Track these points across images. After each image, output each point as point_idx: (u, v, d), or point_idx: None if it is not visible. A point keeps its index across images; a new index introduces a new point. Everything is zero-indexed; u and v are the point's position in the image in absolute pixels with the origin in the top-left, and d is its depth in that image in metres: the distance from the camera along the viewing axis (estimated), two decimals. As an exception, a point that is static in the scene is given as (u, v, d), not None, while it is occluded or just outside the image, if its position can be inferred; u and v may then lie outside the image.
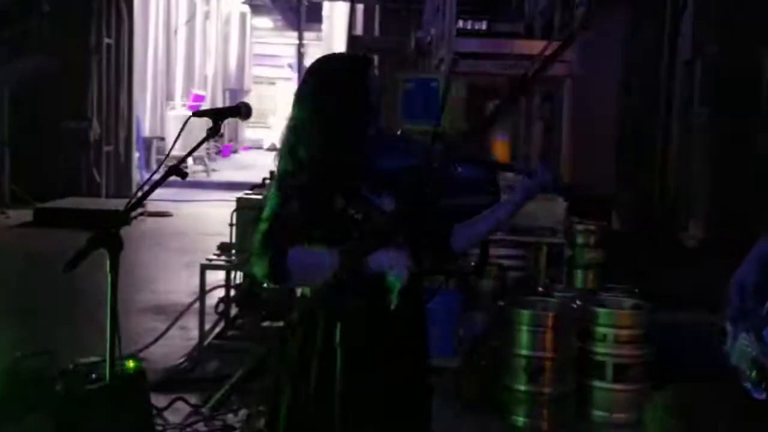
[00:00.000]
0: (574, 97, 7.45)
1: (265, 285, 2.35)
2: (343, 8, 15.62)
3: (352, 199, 2.36)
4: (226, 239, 6.32)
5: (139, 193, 2.29)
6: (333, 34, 16.97)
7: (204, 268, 5.84)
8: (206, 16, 21.81)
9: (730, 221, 11.12)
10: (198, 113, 2.37)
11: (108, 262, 2.05)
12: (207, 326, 6.04)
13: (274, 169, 2.47)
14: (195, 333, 6.22)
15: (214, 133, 2.36)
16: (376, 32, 13.95)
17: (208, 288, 5.93)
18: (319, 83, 2.43)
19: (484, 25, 8.34)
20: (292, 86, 35.91)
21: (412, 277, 2.36)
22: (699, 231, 11.55)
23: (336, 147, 2.36)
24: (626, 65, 10.82)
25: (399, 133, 2.56)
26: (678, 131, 10.65)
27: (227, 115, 2.40)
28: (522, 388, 4.79)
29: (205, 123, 2.34)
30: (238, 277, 6.35)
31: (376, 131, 2.46)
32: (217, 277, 6.37)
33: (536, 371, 4.78)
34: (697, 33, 10.75)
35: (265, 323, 6.02)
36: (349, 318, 2.35)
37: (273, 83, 33.22)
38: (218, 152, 23.23)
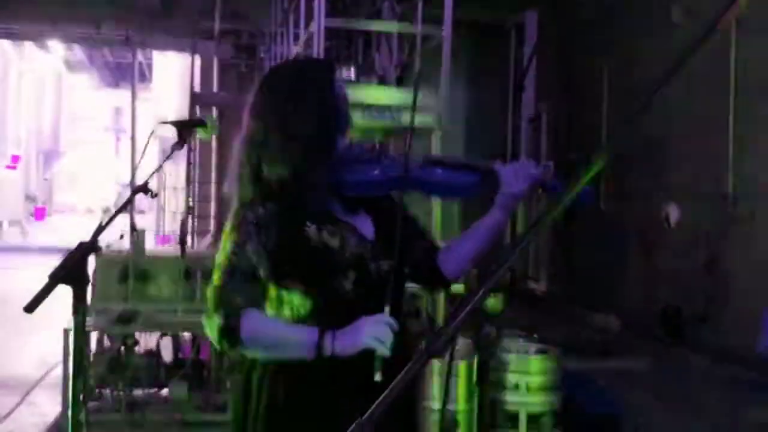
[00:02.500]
0: (442, 148, 7.36)
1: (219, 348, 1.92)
2: (175, 64, 15.13)
3: (325, 224, 2.03)
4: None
5: (104, 220, 1.83)
6: (162, 91, 16.38)
7: (68, 332, 5.15)
8: (20, 74, 20.57)
9: (570, 275, 11.55)
10: (164, 122, 1.98)
11: (72, 300, 1.58)
12: (59, 399, 5.33)
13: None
14: (47, 409, 5.49)
15: (180, 145, 1.95)
16: (215, 88, 13.54)
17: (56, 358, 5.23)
18: (282, 93, 2.09)
19: (352, 75, 8.16)
20: (110, 148, 34.63)
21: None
22: (544, 283, 11.88)
23: (308, 166, 2.03)
24: (471, 120, 11.05)
25: (371, 145, 2.21)
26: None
27: (192, 125, 2.01)
28: (435, 444, 4.48)
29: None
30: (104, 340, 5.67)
31: (347, 144, 2.14)
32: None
33: (449, 424, 4.49)
34: (539, 91, 11.20)
35: (138, 392, 5.40)
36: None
37: (90, 144, 31.80)
38: (31, 215, 21.80)
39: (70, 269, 1.55)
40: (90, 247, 1.61)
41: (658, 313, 9.09)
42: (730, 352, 7.98)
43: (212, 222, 12.98)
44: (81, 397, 1.61)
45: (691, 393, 6.85)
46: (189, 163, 12.62)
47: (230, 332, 1.89)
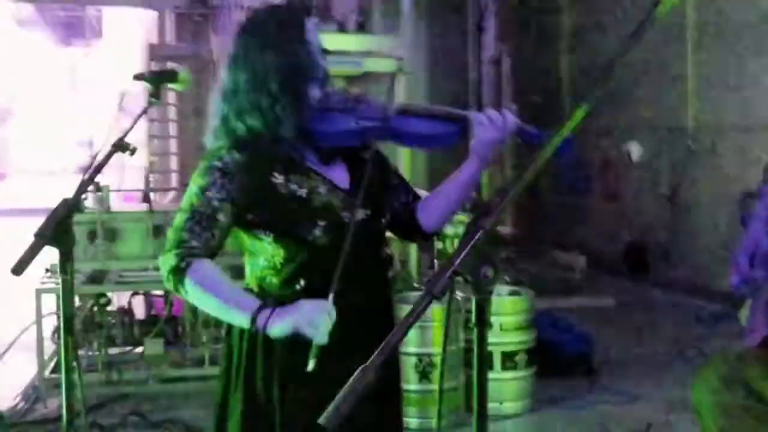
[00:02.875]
0: (407, 93, 7.34)
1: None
2: (128, 17, 14.83)
3: (293, 174, 2.02)
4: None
5: (85, 177, 1.79)
6: (115, 46, 16.05)
7: (40, 293, 5.10)
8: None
9: (535, 216, 11.67)
10: (137, 76, 1.93)
11: (59, 261, 1.56)
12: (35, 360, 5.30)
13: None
14: (24, 369, 5.46)
15: (155, 98, 1.92)
16: (170, 39, 13.31)
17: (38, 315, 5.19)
18: (253, 41, 2.04)
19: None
20: (65, 106, 33.96)
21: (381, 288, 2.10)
22: (510, 225, 11.99)
23: (278, 117, 2.00)
24: (432, 63, 10.99)
25: (350, 93, 2.17)
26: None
27: (166, 79, 1.98)
28: (413, 387, 4.54)
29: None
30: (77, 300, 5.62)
31: (322, 93, 2.10)
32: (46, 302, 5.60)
33: (427, 369, 4.55)
34: (500, 31, 11.16)
35: (114, 351, 5.38)
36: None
37: (45, 103, 31.15)
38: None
39: (56, 228, 1.53)
40: (74, 204, 1.58)
41: (623, 249, 9.24)
42: (693, 285, 8.16)
43: (174, 177, 12.85)
44: (72, 357, 1.60)
45: (657, 327, 7.01)
46: (149, 119, 12.44)
47: (179, 273, 1.89)
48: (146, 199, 5.82)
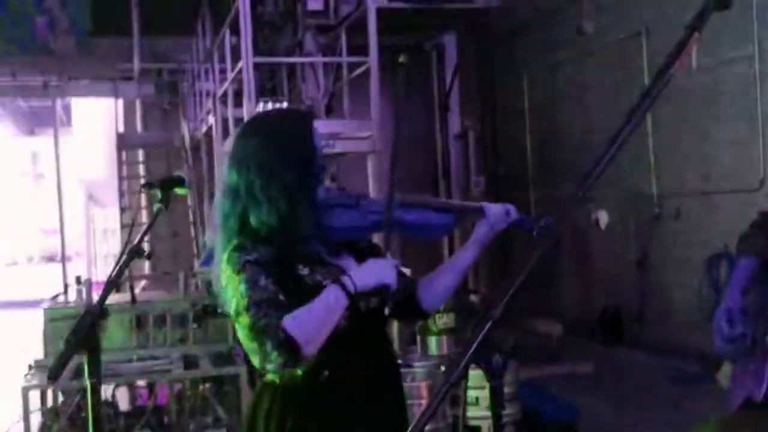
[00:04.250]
0: (377, 169, 7.52)
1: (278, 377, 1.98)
2: (96, 106, 14.95)
3: (316, 266, 2.13)
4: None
5: (107, 283, 1.88)
6: (83, 134, 16.13)
7: (26, 391, 5.09)
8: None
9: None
10: (146, 184, 2.05)
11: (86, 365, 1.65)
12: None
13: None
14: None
15: (164, 204, 2.03)
16: (139, 128, 13.44)
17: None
18: (264, 142, 2.17)
19: (285, 106, 8.25)
20: (28, 195, 33.82)
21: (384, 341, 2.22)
22: (485, 290, 12.11)
23: (294, 213, 2.11)
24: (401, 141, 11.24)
25: (345, 190, 2.34)
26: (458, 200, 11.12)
27: (173, 184, 2.09)
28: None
29: None
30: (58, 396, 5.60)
31: (326, 191, 2.25)
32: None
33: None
34: (464, 108, 11.47)
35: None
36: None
37: (6, 192, 31.00)
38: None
39: (83, 335, 1.62)
40: (99, 312, 1.67)
41: (597, 314, 9.39)
42: (667, 346, 8.30)
43: (146, 265, 12.83)
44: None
45: (637, 391, 7.10)
46: (121, 208, 12.48)
47: (289, 349, 1.92)
48: (131, 288, 5.87)
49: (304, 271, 2.09)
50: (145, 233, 1.94)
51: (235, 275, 2.03)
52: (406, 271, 2.49)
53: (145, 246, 1.88)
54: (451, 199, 9.43)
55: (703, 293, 7.55)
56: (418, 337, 5.49)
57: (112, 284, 1.82)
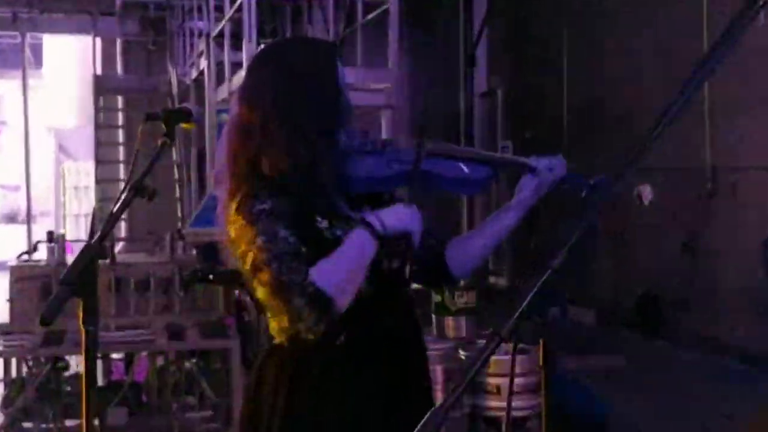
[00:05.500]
0: (392, 128, 7.53)
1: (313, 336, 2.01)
2: (71, 45, 14.93)
3: (336, 219, 2.14)
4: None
5: (107, 222, 1.92)
6: (55, 77, 16.11)
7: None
8: None
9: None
10: (150, 115, 2.08)
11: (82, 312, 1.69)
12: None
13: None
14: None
15: (169, 138, 2.06)
16: (119, 70, 13.44)
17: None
18: (281, 76, 2.17)
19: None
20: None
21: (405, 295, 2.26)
22: (506, 277, 12.16)
23: (313, 159, 2.12)
24: (419, 97, 11.24)
25: (374, 137, 2.35)
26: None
27: (180, 119, 2.13)
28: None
29: None
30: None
31: (347, 135, 2.26)
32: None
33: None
34: (492, 64, 11.45)
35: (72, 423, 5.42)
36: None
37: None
38: None
39: (80, 276, 1.65)
40: (97, 251, 1.71)
41: (635, 302, 9.43)
42: (713, 340, 8.33)
43: (123, 226, 12.91)
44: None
45: (673, 388, 7.15)
46: (97, 161, 12.52)
47: (321, 304, 1.95)
48: (110, 248, 5.93)
49: (323, 224, 2.10)
50: (147, 172, 1.96)
51: (249, 226, 2.04)
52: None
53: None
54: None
55: (759, 282, 7.56)
56: (434, 317, 5.52)
57: (115, 218, 1.86)
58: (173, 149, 10.67)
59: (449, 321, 5.51)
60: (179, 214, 11.51)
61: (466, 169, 2.26)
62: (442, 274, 2.38)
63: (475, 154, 2.35)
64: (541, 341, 1.51)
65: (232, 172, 2.15)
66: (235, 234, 2.07)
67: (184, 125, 2.14)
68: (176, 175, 11.80)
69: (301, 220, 2.07)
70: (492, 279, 11.42)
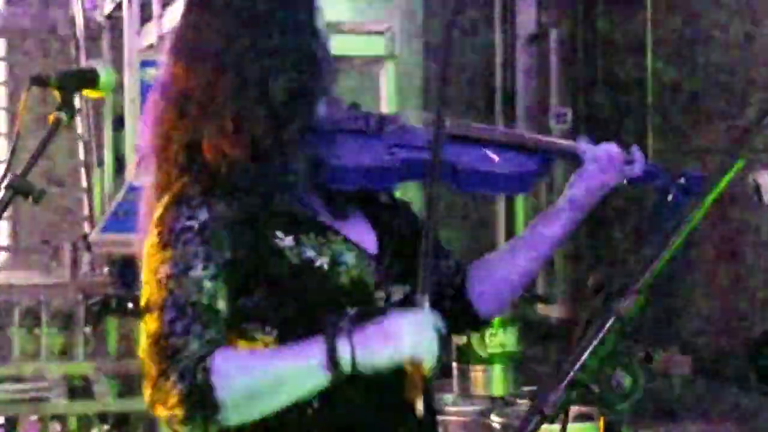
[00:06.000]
0: (396, 90, 7.55)
1: None
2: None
3: (305, 233, 2.15)
4: None
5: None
6: None
7: None
8: None
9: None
10: (36, 79, 2.09)
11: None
12: None
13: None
14: None
15: (67, 111, 2.08)
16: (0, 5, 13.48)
17: None
18: (231, 19, 2.17)
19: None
20: None
21: None
22: (559, 306, 12.17)
23: (276, 142, 2.13)
24: (438, 43, 11.24)
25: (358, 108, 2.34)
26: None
27: (80, 82, 2.14)
28: None
29: None
30: None
31: (328, 107, 2.26)
32: None
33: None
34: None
35: None
36: None
37: None
38: None
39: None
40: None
41: (750, 345, 9.43)
42: None
43: (4, 228, 12.94)
44: None
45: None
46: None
47: (200, 396, 1.95)
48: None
49: (286, 241, 2.11)
50: (35, 158, 1.98)
51: (160, 248, 2.06)
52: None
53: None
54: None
55: None
56: (455, 366, 5.53)
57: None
58: (77, 120, 10.67)
59: (478, 372, 5.52)
60: (86, 212, 11.49)
61: (501, 159, 2.26)
62: (464, 313, 2.40)
63: (512, 138, 2.35)
64: (601, 418, 1.51)
65: (160, 160, 2.16)
66: (145, 253, 2.09)
67: (88, 93, 2.15)
68: (82, 156, 11.78)
69: (253, 234, 2.09)
70: (540, 309, 11.42)
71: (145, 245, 2.10)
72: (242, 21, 2.15)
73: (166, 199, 2.11)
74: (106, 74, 2.16)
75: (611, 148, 2.36)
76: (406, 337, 1.98)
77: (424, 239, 1.99)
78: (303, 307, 2.11)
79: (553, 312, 11.66)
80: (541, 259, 2.38)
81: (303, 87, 2.17)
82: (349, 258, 2.17)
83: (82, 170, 11.84)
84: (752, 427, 8.24)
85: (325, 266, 2.13)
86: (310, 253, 2.12)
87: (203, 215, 2.06)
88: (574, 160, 2.35)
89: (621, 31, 11.25)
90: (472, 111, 11.16)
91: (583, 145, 2.35)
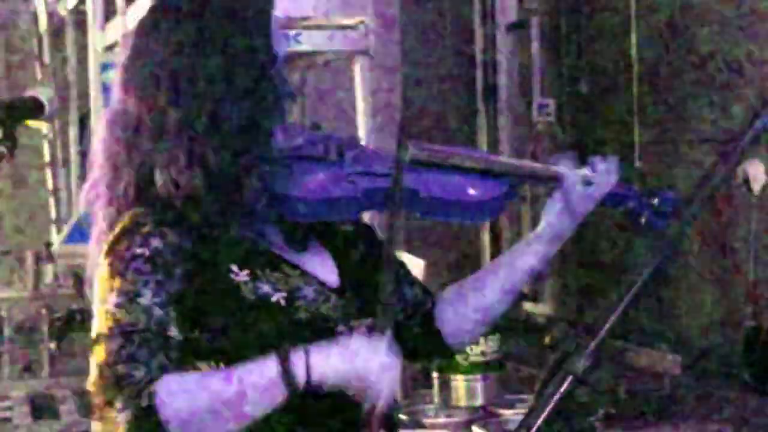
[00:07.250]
0: (369, 88, 7.52)
1: None
2: None
3: (262, 267, 2.15)
4: None
5: None
6: None
7: None
8: None
9: (589, 291, 11.85)
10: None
11: None
12: None
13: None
14: None
15: (10, 147, 2.04)
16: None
17: None
18: (184, 35, 2.16)
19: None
20: None
21: None
22: (547, 304, 12.19)
23: (231, 169, 2.13)
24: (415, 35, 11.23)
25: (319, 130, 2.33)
26: (509, 138, 11.15)
27: (24, 116, 2.10)
28: None
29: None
30: None
31: (286, 133, 2.25)
32: None
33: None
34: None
35: None
36: None
37: None
38: None
39: None
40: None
41: (741, 341, 9.43)
42: None
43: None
44: None
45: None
46: None
47: (146, 421, 1.95)
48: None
49: (242, 275, 2.11)
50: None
51: (110, 276, 2.07)
52: (417, 266, 2.50)
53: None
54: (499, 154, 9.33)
55: None
56: (435, 376, 5.52)
57: None
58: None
59: (459, 382, 5.51)
60: (53, 215, 11.43)
61: (469, 185, 2.25)
62: (432, 341, 2.40)
63: (482, 162, 2.32)
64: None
65: (111, 192, 2.14)
66: (97, 285, 2.10)
67: (30, 123, 2.12)
68: (48, 158, 11.73)
69: (207, 267, 2.09)
70: (526, 306, 11.41)
71: (96, 277, 2.10)
72: (193, 48, 2.14)
73: (117, 228, 2.11)
74: (49, 104, 2.11)
75: (596, 163, 2.35)
76: (363, 354, 2.00)
77: (386, 273, 1.99)
78: (260, 345, 2.09)
79: (539, 309, 11.68)
80: (516, 289, 2.40)
81: (257, 115, 2.15)
82: (308, 292, 2.18)
83: (49, 173, 11.79)
84: (739, 423, 8.24)
85: (282, 301, 2.14)
86: (266, 288, 2.12)
87: (155, 242, 2.07)
88: (548, 184, 2.33)
89: (605, 20, 11.25)
90: (449, 105, 11.19)
91: (565, 169, 2.31)
